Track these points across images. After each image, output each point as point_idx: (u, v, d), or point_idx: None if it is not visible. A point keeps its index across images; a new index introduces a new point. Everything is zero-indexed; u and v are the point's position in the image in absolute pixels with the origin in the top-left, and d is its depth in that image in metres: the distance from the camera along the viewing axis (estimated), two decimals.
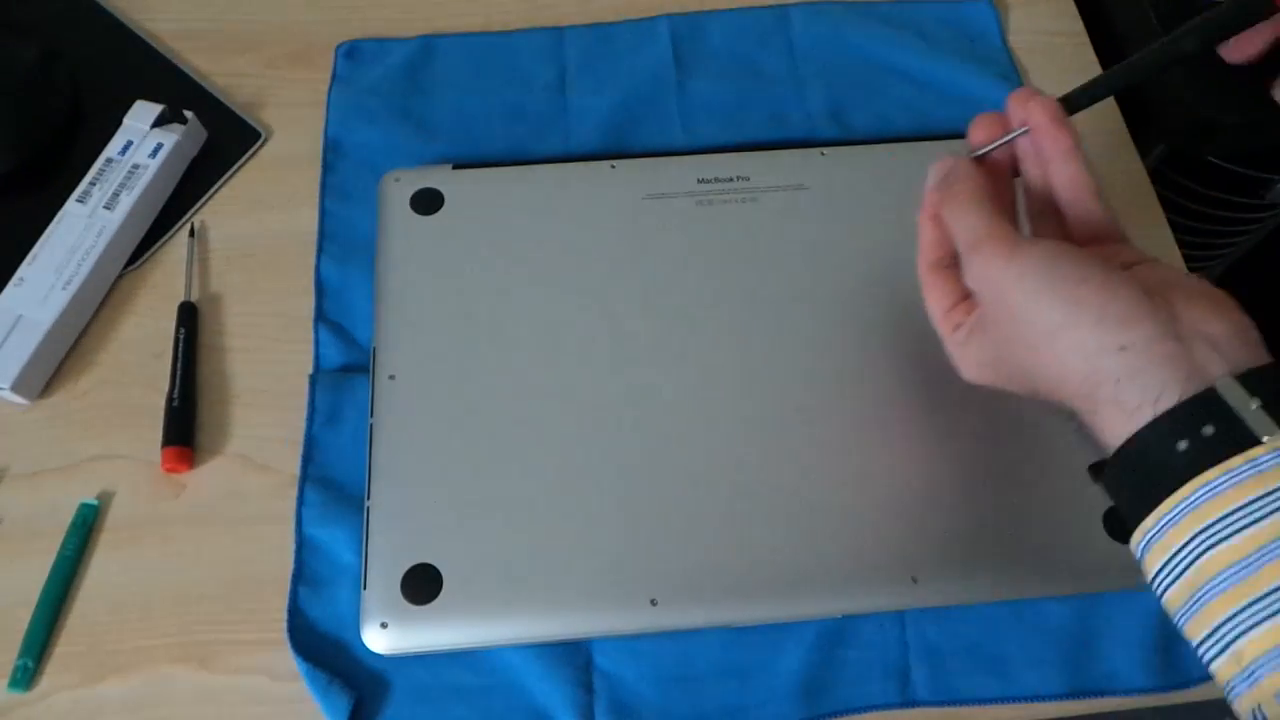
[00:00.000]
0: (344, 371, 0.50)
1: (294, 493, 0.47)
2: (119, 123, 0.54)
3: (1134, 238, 0.55)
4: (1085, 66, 0.61)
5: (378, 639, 0.42)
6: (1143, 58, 0.38)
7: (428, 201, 0.52)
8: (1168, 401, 0.30)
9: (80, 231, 0.51)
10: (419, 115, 0.57)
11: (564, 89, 0.59)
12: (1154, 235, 0.56)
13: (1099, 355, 0.32)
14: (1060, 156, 0.37)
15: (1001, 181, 0.39)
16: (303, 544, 0.46)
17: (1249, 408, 0.29)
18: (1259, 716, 0.29)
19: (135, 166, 0.53)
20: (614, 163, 0.53)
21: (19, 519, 0.47)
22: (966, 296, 0.38)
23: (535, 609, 0.42)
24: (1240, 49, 0.43)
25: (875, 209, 0.51)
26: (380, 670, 0.44)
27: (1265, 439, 0.28)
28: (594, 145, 0.57)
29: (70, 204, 0.52)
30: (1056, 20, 0.63)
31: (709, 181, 0.52)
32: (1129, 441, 0.31)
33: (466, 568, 0.43)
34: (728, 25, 0.61)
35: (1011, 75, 0.60)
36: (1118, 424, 0.32)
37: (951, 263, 0.39)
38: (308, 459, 0.48)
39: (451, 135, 0.57)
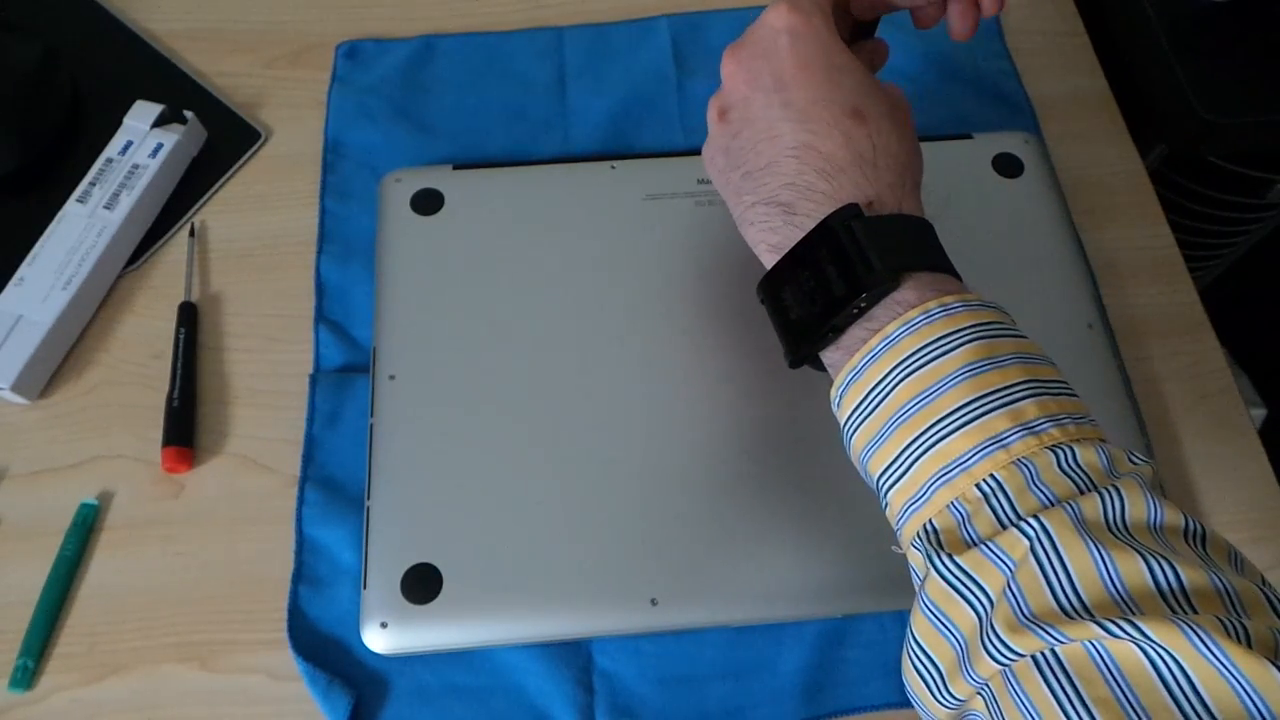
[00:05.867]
0: (344, 371, 0.50)
1: (294, 493, 0.47)
2: (119, 123, 0.54)
3: (1134, 238, 0.55)
4: (1085, 66, 0.61)
5: (378, 639, 0.42)
6: None
7: (428, 201, 0.52)
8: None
9: (80, 231, 0.51)
10: (419, 115, 0.58)
11: (564, 89, 0.59)
12: (1154, 235, 0.56)
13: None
14: None
15: None
16: (303, 544, 0.46)
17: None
18: (928, 529, 0.32)
19: (135, 166, 0.53)
20: (614, 163, 0.53)
21: (19, 519, 0.47)
22: None
23: (535, 609, 0.42)
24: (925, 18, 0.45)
25: None
26: (380, 670, 0.44)
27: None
28: (594, 145, 0.57)
29: (70, 204, 0.52)
30: (1056, 20, 0.63)
31: (709, 182, 0.52)
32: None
33: (466, 568, 0.43)
34: (728, 25, 0.61)
35: (1011, 75, 0.60)
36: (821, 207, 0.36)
37: None
38: (308, 459, 0.48)
39: (451, 135, 0.57)
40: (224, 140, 0.57)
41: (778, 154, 0.37)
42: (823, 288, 0.35)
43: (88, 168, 0.53)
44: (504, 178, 0.53)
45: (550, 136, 0.57)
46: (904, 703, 0.44)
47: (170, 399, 0.49)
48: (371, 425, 0.46)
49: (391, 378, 0.47)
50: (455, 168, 0.53)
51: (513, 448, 0.45)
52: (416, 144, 0.56)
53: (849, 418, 0.34)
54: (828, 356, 0.36)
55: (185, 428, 0.48)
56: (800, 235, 0.36)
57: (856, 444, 0.34)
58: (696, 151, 0.55)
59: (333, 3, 0.62)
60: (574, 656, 0.44)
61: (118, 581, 0.46)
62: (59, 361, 0.50)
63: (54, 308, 0.49)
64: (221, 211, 0.55)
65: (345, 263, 0.53)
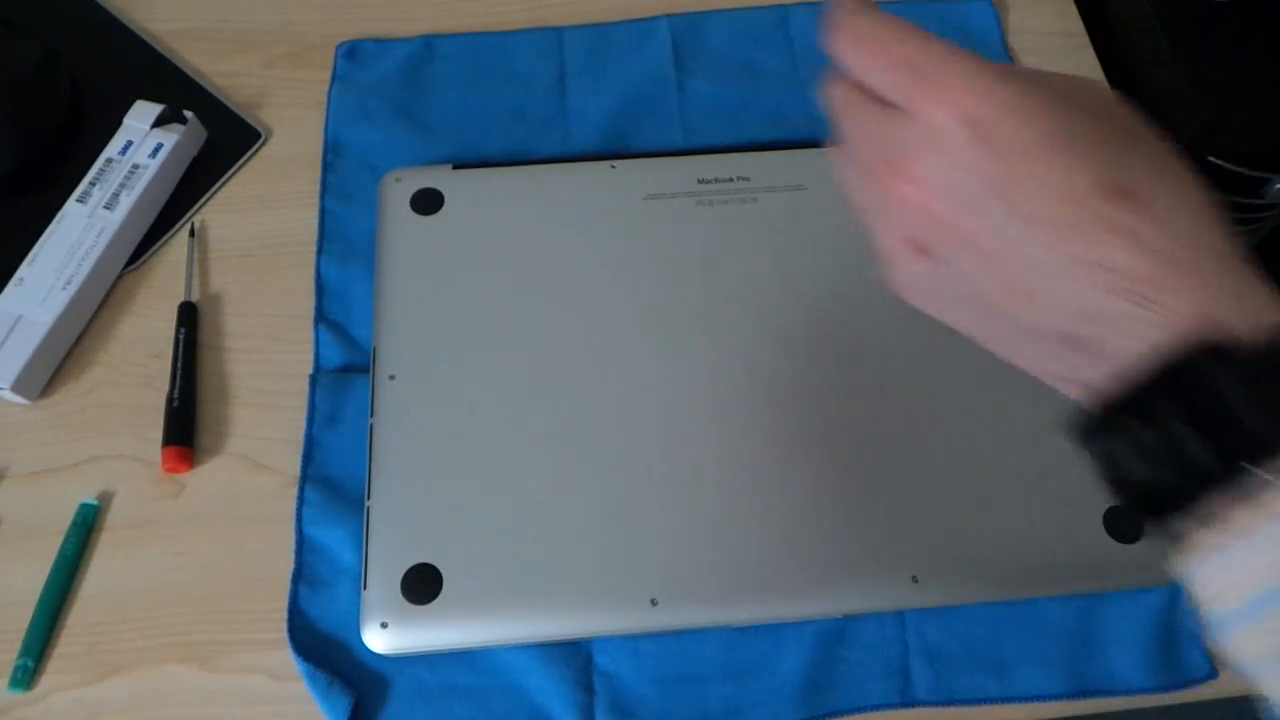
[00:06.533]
0: (344, 371, 0.50)
1: (294, 493, 0.47)
2: (119, 123, 0.54)
3: None
4: (1085, 66, 0.61)
5: (378, 639, 0.42)
6: None
7: (428, 201, 0.52)
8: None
9: (80, 231, 0.51)
10: (419, 115, 0.58)
11: (564, 89, 0.59)
12: None
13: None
14: None
15: None
16: (303, 544, 0.46)
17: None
18: None
19: (135, 166, 0.53)
20: (614, 163, 0.53)
21: (19, 519, 0.47)
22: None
23: (535, 609, 0.42)
24: None
25: None
26: (380, 670, 0.44)
27: None
28: (594, 145, 0.57)
29: (70, 204, 0.52)
30: (1056, 20, 0.63)
31: (709, 182, 0.52)
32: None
33: (466, 568, 0.43)
34: (728, 25, 0.61)
35: None
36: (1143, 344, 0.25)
37: None
38: (308, 459, 0.48)
39: (451, 135, 0.57)
40: (224, 140, 0.57)
41: (1037, 280, 0.27)
42: (1174, 454, 0.26)
43: (88, 168, 0.53)
44: (504, 177, 0.53)
45: (550, 136, 0.57)
46: (904, 703, 0.44)
47: (170, 399, 0.49)
48: (371, 425, 0.46)
49: (391, 378, 0.47)
50: (455, 167, 0.53)
51: (513, 448, 0.45)
52: (416, 144, 0.56)
53: (1223, 607, 0.26)
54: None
55: (185, 428, 0.48)
56: (1112, 373, 0.27)
57: (1231, 634, 0.26)
58: (696, 151, 0.55)
59: (333, 3, 0.62)
60: (574, 656, 0.44)
61: (118, 581, 0.46)
62: (59, 361, 0.50)
63: (54, 308, 0.49)
64: (221, 211, 0.55)
65: (345, 263, 0.53)
